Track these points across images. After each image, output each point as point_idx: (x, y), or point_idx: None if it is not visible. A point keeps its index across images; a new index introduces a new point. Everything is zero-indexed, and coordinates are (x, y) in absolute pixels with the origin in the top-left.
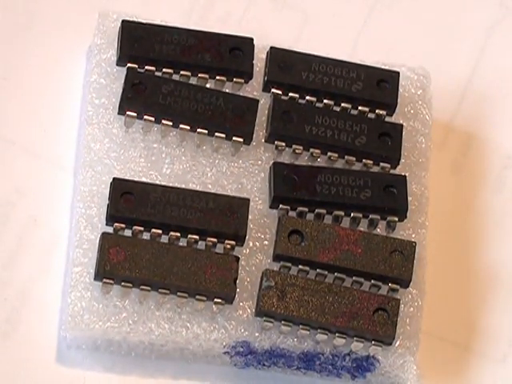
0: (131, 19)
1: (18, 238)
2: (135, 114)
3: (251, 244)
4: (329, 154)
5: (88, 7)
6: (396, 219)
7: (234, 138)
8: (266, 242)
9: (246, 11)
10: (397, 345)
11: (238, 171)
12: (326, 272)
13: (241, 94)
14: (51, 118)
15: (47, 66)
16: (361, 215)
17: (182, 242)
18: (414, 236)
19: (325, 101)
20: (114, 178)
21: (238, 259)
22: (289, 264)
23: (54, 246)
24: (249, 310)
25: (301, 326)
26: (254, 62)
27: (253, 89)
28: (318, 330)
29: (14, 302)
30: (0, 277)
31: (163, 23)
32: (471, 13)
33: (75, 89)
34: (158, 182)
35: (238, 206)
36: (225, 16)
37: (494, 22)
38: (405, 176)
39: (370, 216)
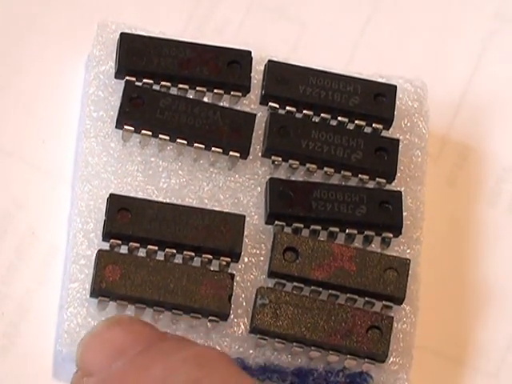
0: (130, 31)
1: (15, 250)
2: (133, 129)
3: (246, 260)
4: (325, 169)
5: (87, 17)
6: (391, 235)
7: (231, 153)
8: (261, 258)
9: (243, 21)
10: (390, 362)
11: (234, 186)
12: (321, 289)
13: (238, 107)
14: (50, 129)
15: (46, 76)
16: (356, 231)
17: (178, 259)
18: (408, 252)
19: (322, 115)
20: (110, 194)
21: (232, 277)
22: (283, 281)
23: (51, 259)
24: (243, 327)
25: (294, 344)
26: (252, 74)
27: (250, 102)
28: (312, 347)
29: (11, 316)
30: None
31: (161, 36)
32: (466, 24)
33: (74, 99)
34: (154, 197)
35: (234, 223)
36: (222, 26)
37: (489, 33)
38: (400, 192)
39: (365, 232)
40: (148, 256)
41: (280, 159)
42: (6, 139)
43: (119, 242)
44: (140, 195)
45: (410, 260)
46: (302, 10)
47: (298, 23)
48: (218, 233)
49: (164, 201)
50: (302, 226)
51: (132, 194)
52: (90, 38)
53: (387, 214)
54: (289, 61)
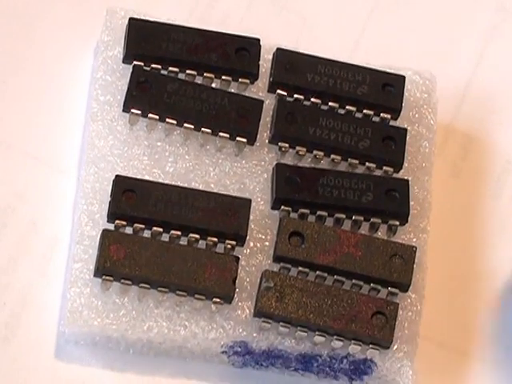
0: (139, 17)
1: (17, 242)
2: (140, 112)
3: (252, 244)
4: (332, 156)
5: (95, 5)
6: (397, 223)
7: (238, 139)
8: (266, 243)
9: (246, 15)
10: (394, 349)
11: (240, 171)
12: (326, 274)
13: (246, 94)
14: (52, 122)
15: (54, 64)
16: (362, 218)
17: (183, 241)
18: (414, 240)
19: (330, 103)
20: (116, 175)
21: (237, 259)
22: (289, 265)
23: (53, 250)
24: (247, 311)
25: (299, 328)
26: (260, 62)
27: (258, 89)
28: (316, 332)
29: (13, 307)
30: None
31: (170, 21)
32: (469, 16)
33: (80, 87)
34: (160, 181)
35: (240, 207)
36: (224, 18)
37: (493, 25)
38: (407, 180)
39: (372, 219)
40: (153, 238)
41: (287, 146)
42: (8, 131)
43: (124, 223)
44: (146, 178)
45: (416, 247)
46: (305, 2)
47: (300, 15)
48: (223, 216)
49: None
50: (308, 211)
51: (139, 177)
52: (99, 26)
53: (394, 202)
54: None
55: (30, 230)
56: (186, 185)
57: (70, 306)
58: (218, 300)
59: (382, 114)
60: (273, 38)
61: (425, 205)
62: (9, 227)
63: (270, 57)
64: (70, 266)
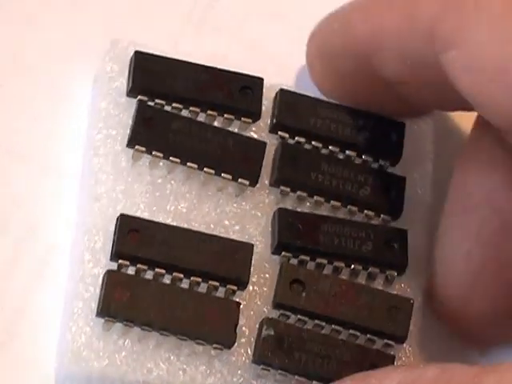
0: (142, 49)
1: (15, 248)
2: (144, 149)
3: (251, 288)
4: (332, 202)
5: (87, 30)
6: (395, 274)
7: (240, 180)
8: (265, 288)
9: (242, 23)
10: None
11: (241, 213)
12: (324, 323)
13: (247, 133)
14: (52, 127)
15: (52, 84)
16: (361, 267)
17: (185, 283)
18: (408, 290)
19: (330, 147)
20: (120, 214)
21: (239, 305)
22: (288, 313)
23: (52, 257)
24: (245, 356)
25: (296, 377)
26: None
27: (259, 129)
28: (313, 382)
29: (10, 314)
30: None
31: (176, 57)
32: None
33: (80, 107)
34: (161, 219)
35: (242, 251)
36: (219, 27)
37: None
38: (406, 231)
39: (370, 269)
40: (155, 279)
41: (288, 190)
42: (7, 138)
43: (127, 262)
44: (146, 215)
45: (413, 299)
46: (300, 14)
47: (295, 26)
48: (225, 260)
49: (171, 223)
50: (308, 258)
51: (139, 214)
52: (96, 51)
53: (392, 252)
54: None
55: (28, 236)
56: (185, 224)
57: (72, 345)
58: (218, 346)
59: (380, 161)
60: (267, 50)
61: (420, 254)
62: (7, 233)
63: (272, 95)
64: (71, 304)
